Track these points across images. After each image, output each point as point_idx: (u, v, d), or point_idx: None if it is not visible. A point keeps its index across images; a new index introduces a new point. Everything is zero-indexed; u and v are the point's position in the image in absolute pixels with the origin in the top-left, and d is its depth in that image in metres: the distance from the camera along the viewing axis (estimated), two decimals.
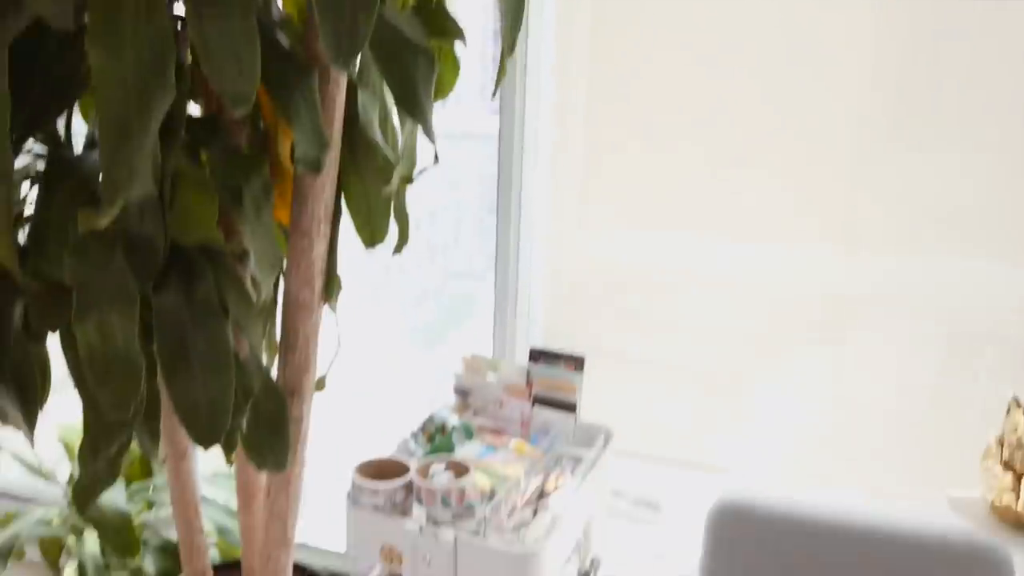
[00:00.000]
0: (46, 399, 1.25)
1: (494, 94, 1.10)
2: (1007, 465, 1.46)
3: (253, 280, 1.41)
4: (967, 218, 1.58)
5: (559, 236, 1.89)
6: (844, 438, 1.76)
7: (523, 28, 1.83)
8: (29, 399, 1.15)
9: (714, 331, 1.81)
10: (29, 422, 1.15)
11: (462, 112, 1.98)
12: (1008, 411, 1.49)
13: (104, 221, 0.91)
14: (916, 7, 1.54)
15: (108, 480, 1.23)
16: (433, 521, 1.21)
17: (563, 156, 1.87)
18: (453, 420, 1.46)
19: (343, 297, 1.56)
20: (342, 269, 1.56)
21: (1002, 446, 1.48)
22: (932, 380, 1.68)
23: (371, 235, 1.39)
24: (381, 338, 2.38)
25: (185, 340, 1.11)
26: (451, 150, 2.02)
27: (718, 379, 1.83)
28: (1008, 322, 1.62)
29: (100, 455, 1.19)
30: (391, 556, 1.25)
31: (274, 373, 1.44)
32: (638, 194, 1.81)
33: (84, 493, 1.25)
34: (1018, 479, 1.44)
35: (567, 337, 1.93)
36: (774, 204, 1.70)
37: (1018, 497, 1.43)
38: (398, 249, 1.41)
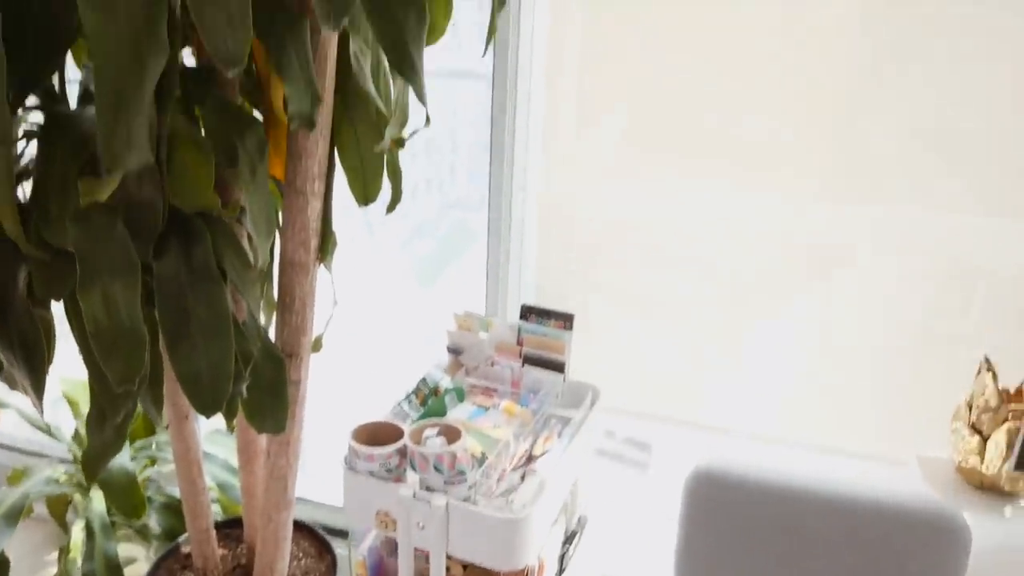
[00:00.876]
0: (52, 361, 1.28)
1: (484, 53, 1.10)
2: (974, 428, 1.51)
3: (250, 241, 1.43)
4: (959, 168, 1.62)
5: (552, 185, 1.92)
6: (826, 393, 1.81)
7: None
8: (36, 365, 1.18)
9: (704, 282, 1.85)
10: (37, 389, 1.19)
11: (462, 51, 1.98)
12: (978, 372, 1.52)
13: (106, 193, 0.93)
14: None
15: (116, 446, 1.27)
16: (426, 487, 1.26)
17: (556, 103, 1.88)
18: (446, 382, 1.51)
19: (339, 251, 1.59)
20: (339, 208, 1.58)
21: (970, 408, 1.52)
22: (916, 337, 1.73)
23: (364, 192, 1.41)
24: (379, 275, 2.41)
25: (186, 306, 1.14)
26: (449, 88, 2.02)
27: (706, 330, 1.88)
28: (997, 276, 1.65)
29: (107, 424, 1.23)
30: (386, 521, 1.30)
31: (272, 335, 1.47)
32: (631, 141, 1.83)
33: (94, 461, 1.29)
34: (984, 441, 1.49)
35: (559, 293, 1.98)
36: (764, 151, 1.73)
37: (983, 460, 1.48)
38: (391, 207, 1.44)
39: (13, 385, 1.24)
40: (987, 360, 1.52)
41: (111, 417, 1.16)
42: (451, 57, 1.86)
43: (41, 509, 2.27)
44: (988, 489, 1.50)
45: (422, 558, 1.33)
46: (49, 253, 1.07)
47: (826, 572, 1.26)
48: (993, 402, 1.48)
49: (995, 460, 1.46)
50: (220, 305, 1.18)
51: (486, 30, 1.03)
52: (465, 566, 1.41)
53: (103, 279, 1.03)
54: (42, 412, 1.19)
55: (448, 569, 1.39)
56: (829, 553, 1.25)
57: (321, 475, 2.24)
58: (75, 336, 1.15)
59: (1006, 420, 1.47)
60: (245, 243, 1.42)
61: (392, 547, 1.42)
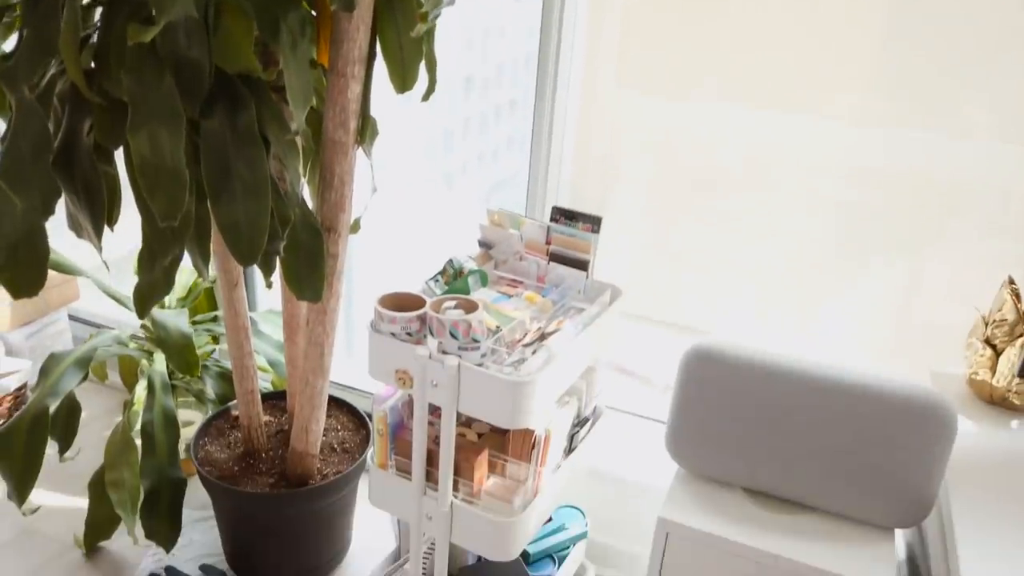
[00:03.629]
0: (116, 216, 1.43)
1: None
2: (988, 342, 1.51)
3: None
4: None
5: (593, 101, 1.97)
6: (843, 320, 1.83)
7: None
8: (97, 212, 1.32)
9: (732, 213, 1.87)
10: (96, 231, 1.33)
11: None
12: (1000, 288, 1.52)
13: (148, 36, 1.04)
14: None
15: (164, 288, 1.41)
16: (442, 351, 1.35)
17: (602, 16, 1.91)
18: (470, 265, 1.60)
19: (381, 145, 1.68)
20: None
21: (987, 324, 1.52)
22: (943, 264, 1.72)
23: (403, 80, 1.50)
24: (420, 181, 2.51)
25: (228, 163, 1.26)
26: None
27: (735, 258, 1.91)
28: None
29: (156, 264, 1.37)
30: (404, 379, 1.41)
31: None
32: (669, 60, 1.86)
33: (143, 298, 1.44)
34: (997, 356, 1.49)
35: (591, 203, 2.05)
36: (805, 73, 1.73)
37: (993, 373, 1.48)
38: (426, 96, 1.52)
39: (79, 231, 1.39)
40: (1010, 278, 1.51)
41: (160, 257, 1.29)
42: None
43: (115, 378, 2.50)
44: (997, 403, 1.51)
45: (438, 425, 1.44)
46: (108, 101, 1.20)
47: (811, 446, 1.31)
48: (1010, 317, 1.48)
49: (1006, 374, 1.47)
50: (260, 166, 1.29)
51: None
52: (480, 434, 1.51)
53: (151, 123, 1.16)
54: (100, 250, 1.33)
55: (463, 435, 1.50)
56: (815, 429, 1.30)
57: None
58: (129, 179, 1.28)
59: (1021, 336, 1.47)
60: (288, 118, 1.53)
61: (412, 409, 1.54)
